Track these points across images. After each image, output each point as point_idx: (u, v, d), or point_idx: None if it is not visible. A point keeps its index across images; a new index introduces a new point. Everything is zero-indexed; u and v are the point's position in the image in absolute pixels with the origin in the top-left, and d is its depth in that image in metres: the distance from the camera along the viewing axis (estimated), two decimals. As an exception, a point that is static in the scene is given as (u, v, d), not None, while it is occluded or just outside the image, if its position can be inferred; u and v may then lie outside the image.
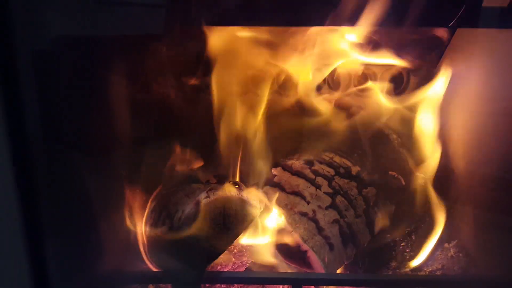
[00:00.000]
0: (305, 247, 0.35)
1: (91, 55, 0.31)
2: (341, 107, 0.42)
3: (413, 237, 0.39)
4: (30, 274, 0.28)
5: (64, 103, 0.30)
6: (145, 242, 0.33)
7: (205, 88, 0.34)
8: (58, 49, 0.29)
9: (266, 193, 0.36)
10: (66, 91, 0.30)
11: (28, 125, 0.27)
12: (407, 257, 0.38)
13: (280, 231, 0.35)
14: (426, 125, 0.39)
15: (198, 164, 0.37)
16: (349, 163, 0.40)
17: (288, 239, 0.35)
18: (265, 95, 0.37)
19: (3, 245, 0.27)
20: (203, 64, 0.34)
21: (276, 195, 0.35)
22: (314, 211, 0.36)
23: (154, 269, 0.34)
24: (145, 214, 0.34)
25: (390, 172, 0.41)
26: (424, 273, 0.38)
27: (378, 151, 0.41)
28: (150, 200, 0.34)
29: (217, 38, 0.35)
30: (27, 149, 0.26)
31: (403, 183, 0.40)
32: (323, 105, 0.41)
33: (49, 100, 0.28)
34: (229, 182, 0.35)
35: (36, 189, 0.27)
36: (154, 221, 0.33)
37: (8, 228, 0.27)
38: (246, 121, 0.38)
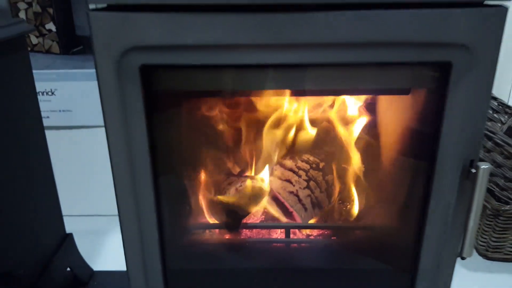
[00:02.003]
0: (291, 210, 0.69)
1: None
2: (313, 124, 0.74)
3: (348, 204, 0.74)
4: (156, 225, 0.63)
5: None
6: (209, 209, 0.68)
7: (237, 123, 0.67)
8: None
9: (270, 181, 0.70)
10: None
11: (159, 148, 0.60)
12: (345, 213, 0.73)
13: (278, 202, 0.69)
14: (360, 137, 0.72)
15: (234, 166, 0.70)
16: (318, 161, 0.73)
17: (283, 205, 0.69)
18: (267, 124, 0.69)
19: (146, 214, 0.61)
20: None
21: (278, 183, 0.69)
22: (297, 191, 0.70)
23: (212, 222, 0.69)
24: (209, 193, 0.68)
25: (343, 165, 0.74)
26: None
27: (335, 153, 0.74)
28: (212, 187, 0.68)
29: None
30: (159, 163, 0.60)
31: (348, 171, 0.73)
32: (303, 125, 0.73)
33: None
34: (251, 176, 0.68)
35: (160, 183, 0.61)
36: (214, 197, 0.68)
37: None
38: (257, 139, 0.70)
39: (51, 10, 1.15)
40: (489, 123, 1.35)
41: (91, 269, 1.15)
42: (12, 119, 0.84)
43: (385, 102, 0.72)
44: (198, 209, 0.71)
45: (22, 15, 1.15)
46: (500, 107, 1.34)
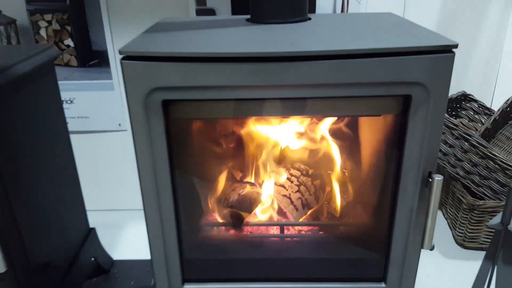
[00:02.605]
0: (285, 210, 0.84)
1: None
2: (303, 140, 0.89)
3: (332, 204, 0.90)
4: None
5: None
6: (217, 210, 0.84)
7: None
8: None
9: (267, 187, 0.85)
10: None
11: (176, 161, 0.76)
12: (330, 213, 0.88)
13: (273, 204, 0.85)
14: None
15: (238, 174, 0.85)
16: (308, 168, 0.88)
17: (277, 207, 0.85)
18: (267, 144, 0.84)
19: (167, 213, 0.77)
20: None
21: (274, 188, 0.85)
22: (289, 194, 0.85)
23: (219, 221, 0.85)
24: (217, 197, 0.84)
25: (328, 171, 0.89)
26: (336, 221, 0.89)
27: (322, 162, 0.89)
28: (219, 192, 0.83)
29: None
30: (176, 173, 0.76)
31: (337, 177, 0.88)
32: (294, 140, 0.88)
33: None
34: (251, 183, 0.83)
35: (177, 190, 0.77)
36: (221, 200, 0.83)
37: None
38: (256, 152, 0.85)
39: (69, 28, 1.29)
40: (470, 123, 1.51)
41: (111, 259, 1.32)
42: (45, 128, 0.99)
43: (361, 125, 0.87)
44: (208, 210, 0.87)
45: (42, 32, 1.30)
46: (481, 108, 1.49)
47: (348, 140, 0.85)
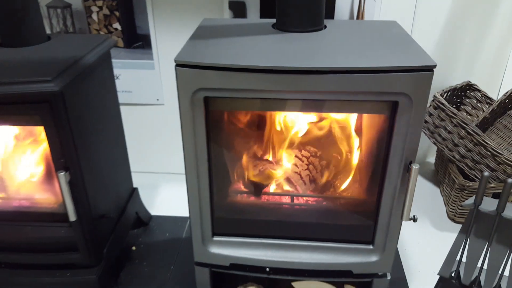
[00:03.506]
0: (295, 184, 1.09)
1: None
2: (315, 127, 1.12)
3: (334, 181, 1.13)
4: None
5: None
6: (240, 180, 1.09)
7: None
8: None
9: (282, 165, 1.09)
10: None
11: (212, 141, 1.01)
12: (332, 187, 1.12)
13: (286, 178, 1.09)
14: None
15: (259, 153, 1.09)
16: (316, 151, 1.11)
17: (290, 181, 1.09)
18: (283, 130, 1.07)
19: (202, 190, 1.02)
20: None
21: (287, 166, 1.09)
22: (300, 171, 1.09)
23: (243, 189, 1.10)
24: (241, 170, 1.09)
25: (334, 154, 1.12)
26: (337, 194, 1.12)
27: (328, 146, 1.12)
28: (244, 166, 1.08)
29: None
30: (212, 151, 1.00)
31: (339, 159, 1.11)
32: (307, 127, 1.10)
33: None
34: (269, 161, 1.07)
35: (211, 164, 1.02)
36: (244, 173, 1.08)
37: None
38: (275, 136, 1.09)
39: (117, 13, 1.52)
40: (473, 111, 1.70)
41: (150, 214, 1.61)
42: (104, 103, 1.25)
43: (361, 121, 1.09)
44: (234, 180, 1.12)
45: (94, 16, 1.53)
46: (483, 98, 1.67)
47: (350, 132, 1.08)
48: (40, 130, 1.17)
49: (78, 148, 1.07)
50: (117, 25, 1.54)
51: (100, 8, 1.51)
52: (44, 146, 1.18)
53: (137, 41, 1.55)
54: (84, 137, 1.11)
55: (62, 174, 1.04)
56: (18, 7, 1.08)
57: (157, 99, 1.67)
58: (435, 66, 0.86)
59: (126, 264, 1.41)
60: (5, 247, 1.22)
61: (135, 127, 1.73)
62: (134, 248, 1.47)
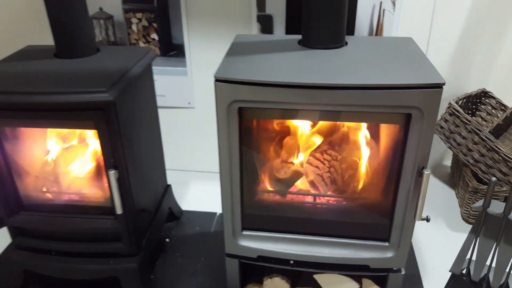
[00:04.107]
0: (318, 185, 1.21)
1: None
2: (336, 134, 1.24)
3: (354, 183, 1.25)
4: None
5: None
6: (268, 180, 1.22)
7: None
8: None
9: (305, 167, 1.22)
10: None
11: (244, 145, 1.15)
12: (351, 189, 1.25)
13: (309, 180, 1.22)
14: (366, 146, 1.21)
15: (286, 156, 1.22)
16: (337, 155, 1.24)
17: (312, 182, 1.22)
18: (308, 136, 1.20)
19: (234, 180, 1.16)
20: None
21: (310, 168, 1.22)
22: (322, 173, 1.22)
23: (270, 189, 1.24)
24: (269, 172, 1.22)
25: (353, 159, 1.25)
26: (355, 195, 1.25)
27: (348, 151, 1.24)
28: (271, 168, 1.21)
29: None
30: (243, 153, 1.14)
31: (357, 163, 1.24)
32: (328, 133, 1.23)
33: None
34: (294, 163, 1.20)
35: (243, 165, 1.16)
36: (272, 174, 1.22)
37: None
38: (299, 141, 1.22)
39: (155, 25, 1.67)
40: (488, 117, 1.79)
41: (181, 209, 1.76)
42: (146, 107, 1.40)
43: (379, 130, 1.21)
44: (262, 180, 1.26)
45: (134, 27, 1.68)
46: (498, 104, 1.77)
47: (368, 139, 1.20)
48: (86, 134, 1.33)
49: (125, 149, 1.23)
50: (154, 36, 1.69)
51: (140, 19, 1.67)
52: (93, 148, 1.35)
53: (172, 50, 1.70)
54: (129, 139, 1.26)
55: (112, 172, 1.19)
56: (74, 22, 1.23)
57: (189, 103, 1.82)
58: (444, 84, 0.98)
59: (160, 254, 1.56)
60: (57, 236, 1.38)
61: (168, 128, 1.88)
62: (167, 240, 1.62)
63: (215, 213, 1.75)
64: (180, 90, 1.79)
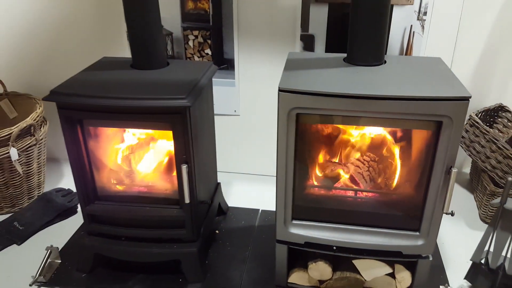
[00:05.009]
0: (358, 181, 1.44)
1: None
2: (375, 139, 1.47)
3: (390, 180, 1.47)
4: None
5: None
6: (316, 177, 1.45)
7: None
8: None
9: (348, 166, 1.44)
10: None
11: (298, 146, 1.38)
12: (387, 185, 1.46)
13: (351, 177, 1.44)
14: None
15: (332, 156, 1.45)
16: (375, 157, 1.46)
17: (354, 179, 1.44)
18: (351, 139, 1.43)
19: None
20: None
21: (352, 167, 1.44)
22: (362, 172, 1.44)
23: (316, 184, 1.46)
24: (317, 170, 1.45)
25: (389, 160, 1.47)
26: (391, 191, 1.46)
27: (385, 153, 1.46)
28: (319, 167, 1.44)
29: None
30: (297, 154, 1.37)
31: (392, 164, 1.46)
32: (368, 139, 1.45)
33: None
34: (339, 163, 1.43)
35: (296, 163, 1.39)
36: (318, 172, 1.44)
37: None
38: (344, 145, 1.44)
39: (209, 41, 1.92)
40: (504, 129, 2.01)
41: (227, 205, 1.99)
42: (207, 114, 1.64)
43: (413, 135, 1.43)
44: (311, 177, 1.48)
45: (190, 43, 1.93)
46: (514, 118, 1.97)
47: (404, 142, 1.43)
48: (153, 133, 1.58)
49: (193, 148, 1.46)
50: (208, 51, 1.94)
51: (196, 36, 1.92)
52: (165, 146, 1.58)
53: (223, 63, 1.95)
54: (196, 139, 1.50)
55: (184, 166, 1.43)
56: (151, 37, 1.48)
57: (235, 111, 2.06)
58: (470, 97, 1.20)
59: (212, 244, 1.79)
60: (127, 223, 1.61)
61: (216, 133, 2.12)
62: (217, 231, 1.85)
63: (258, 210, 1.98)
64: (227, 99, 2.03)
